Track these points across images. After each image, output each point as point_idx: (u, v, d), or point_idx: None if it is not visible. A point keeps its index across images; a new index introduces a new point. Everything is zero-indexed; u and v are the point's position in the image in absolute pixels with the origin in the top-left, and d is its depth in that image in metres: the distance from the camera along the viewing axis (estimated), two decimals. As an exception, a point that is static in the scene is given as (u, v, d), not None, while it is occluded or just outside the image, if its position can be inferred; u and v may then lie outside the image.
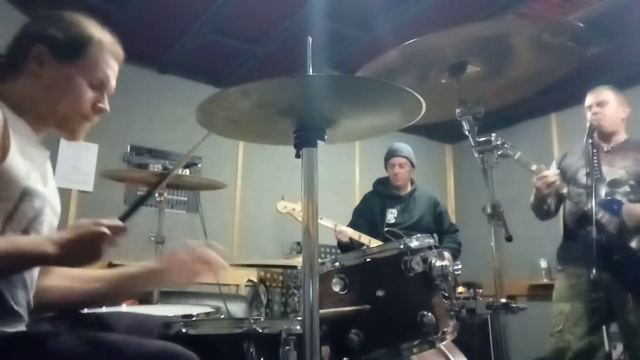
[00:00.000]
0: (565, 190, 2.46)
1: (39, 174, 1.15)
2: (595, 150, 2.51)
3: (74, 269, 1.28)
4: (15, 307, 1.09)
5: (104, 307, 1.77)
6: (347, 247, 3.15)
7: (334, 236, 3.23)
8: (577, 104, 2.87)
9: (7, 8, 3.28)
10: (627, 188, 2.48)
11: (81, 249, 0.99)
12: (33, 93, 1.16)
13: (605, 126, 2.59)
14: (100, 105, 1.22)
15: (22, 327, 1.12)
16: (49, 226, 1.18)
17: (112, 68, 1.24)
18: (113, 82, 1.25)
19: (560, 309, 2.52)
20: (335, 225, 3.17)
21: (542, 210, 2.68)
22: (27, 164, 1.11)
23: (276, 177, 4.61)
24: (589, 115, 2.63)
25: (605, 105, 2.60)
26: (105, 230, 0.99)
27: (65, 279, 1.28)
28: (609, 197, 2.45)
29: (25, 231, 1.10)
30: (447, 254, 2.61)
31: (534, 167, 2.46)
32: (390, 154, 3.43)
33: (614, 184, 2.51)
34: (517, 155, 2.33)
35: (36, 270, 1.18)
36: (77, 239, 0.99)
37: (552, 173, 2.46)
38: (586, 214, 2.33)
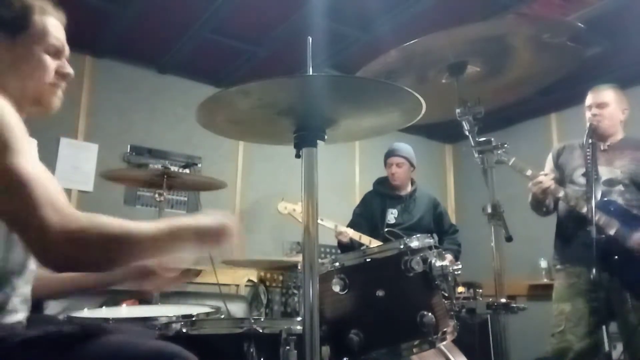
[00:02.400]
0: (561, 194, 2.47)
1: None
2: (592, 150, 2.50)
3: None
4: (15, 298, 1.10)
5: (104, 308, 1.77)
6: (347, 247, 3.15)
7: (334, 237, 3.23)
8: (577, 104, 2.87)
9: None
10: (621, 187, 2.48)
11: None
12: (3, 80, 1.16)
13: (603, 128, 2.59)
14: (63, 70, 1.23)
15: (19, 317, 1.12)
16: None
17: (60, 30, 1.24)
18: (66, 45, 1.25)
19: (560, 309, 2.52)
20: (335, 225, 3.16)
21: (541, 210, 2.69)
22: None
23: (276, 177, 4.61)
24: (588, 115, 2.63)
25: (605, 107, 2.60)
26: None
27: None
28: (605, 198, 2.45)
29: None
30: (449, 256, 2.62)
31: (529, 173, 2.47)
32: (389, 154, 3.43)
33: (610, 183, 2.51)
34: (511, 162, 2.33)
35: (33, 262, 1.18)
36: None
37: (546, 179, 2.47)
38: (582, 214, 2.34)
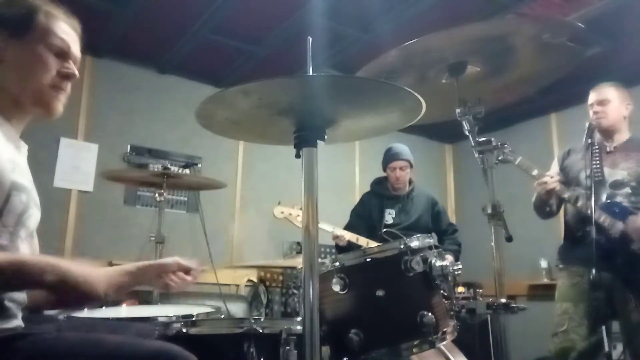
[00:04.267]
0: (567, 195, 2.46)
1: (21, 167, 1.16)
2: (597, 151, 2.50)
3: None
4: (10, 304, 1.10)
5: (104, 307, 1.77)
6: (345, 250, 3.14)
7: (331, 239, 3.22)
8: (577, 104, 2.87)
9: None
10: (628, 189, 2.48)
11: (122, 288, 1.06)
12: (2, 79, 1.16)
13: (606, 125, 2.59)
14: (66, 70, 1.22)
15: (17, 323, 1.12)
16: (35, 221, 1.18)
17: (67, 33, 1.23)
18: (75, 48, 1.25)
19: (564, 308, 2.52)
20: (333, 229, 3.15)
21: (544, 211, 2.69)
22: (11, 157, 1.11)
23: (276, 177, 4.62)
24: (590, 113, 2.63)
25: (607, 103, 2.60)
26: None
27: None
28: (609, 200, 2.45)
29: (15, 227, 1.10)
30: (449, 256, 2.62)
31: (535, 173, 2.47)
32: (391, 158, 3.41)
33: (616, 185, 2.50)
34: (517, 161, 2.33)
35: None
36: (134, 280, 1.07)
37: (551, 180, 2.46)
38: (588, 216, 2.33)
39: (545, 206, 2.65)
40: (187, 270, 1.35)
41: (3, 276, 0.98)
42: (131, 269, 1.21)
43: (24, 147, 1.24)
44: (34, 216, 1.17)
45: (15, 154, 1.15)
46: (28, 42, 1.18)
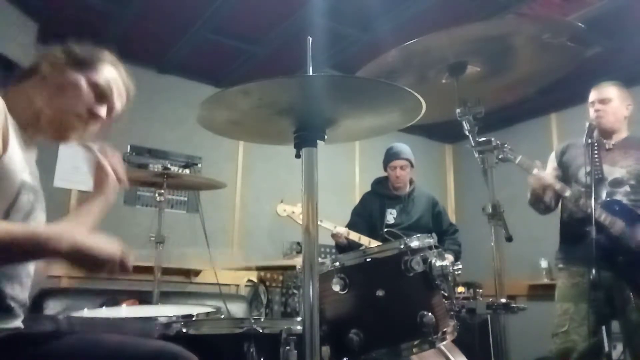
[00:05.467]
0: (568, 194, 2.46)
1: (30, 169, 1.16)
2: (596, 149, 2.50)
3: None
4: (12, 303, 1.10)
5: (104, 308, 1.77)
6: (345, 248, 3.14)
7: (330, 237, 3.22)
8: (577, 103, 2.87)
9: (7, 8, 3.27)
10: (627, 188, 2.48)
11: (89, 261, 1.01)
12: (36, 93, 1.18)
13: (607, 124, 2.59)
14: (97, 110, 1.23)
15: (18, 323, 1.12)
16: (40, 223, 1.19)
17: (116, 84, 1.27)
18: (117, 101, 1.28)
19: (564, 308, 2.52)
20: (335, 227, 3.16)
21: (540, 206, 2.69)
22: (22, 157, 1.12)
23: (276, 177, 4.62)
24: (591, 111, 2.63)
25: (608, 102, 2.60)
26: (119, 262, 1.03)
27: None
28: (609, 198, 2.45)
29: None
30: (449, 256, 2.62)
31: (535, 171, 2.46)
32: (392, 157, 3.41)
33: (615, 183, 2.50)
34: (518, 160, 2.33)
35: (32, 268, 1.18)
36: (94, 252, 1.01)
37: (546, 174, 2.46)
38: (587, 215, 2.33)
39: (540, 201, 2.65)
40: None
41: (17, 244, 0.97)
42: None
43: (34, 151, 1.25)
44: (40, 218, 1.18)
45: (26, 156, 1.16)
46: (77, 74, 1.21)
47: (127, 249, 1.07)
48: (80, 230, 1.06)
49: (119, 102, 1.28)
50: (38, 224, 1.18)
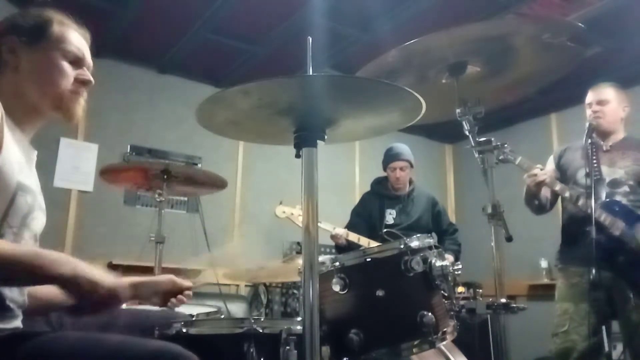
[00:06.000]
0: (567, 195, 2.46)
1: (28, 170, 1.16)
2: (594, 150, 2.50)
3: None
4: (11, 305, 1.10)
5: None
6: (344, 249, 3.14)
7: (330, 238, 3.22)
8: (577, 104, 2.87)
9: (7, 7, 3.27)
10: (626, 188, 2.48)
11: (87, 290, 1.02)
12: (19, 86, 1.18)
13: (604, 125, 2.59)
14: (83, 77, 1.25)
15: (17, 324, 1.12)
16: (39, 224, 1.19)
17: (80, 42, 1.27)
18: (88, 56, 1.28)
19: (564, 308, 2.52)
20: (334, 228, 3.16)
21: (534, 205, 2.69)
22: (19, 158, 1.12)
23: (276, 177, 4.62)
24: (588, 112, 2.63)
25: (606, 104, 2.60)
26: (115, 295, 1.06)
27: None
28: (608, 199, 2.45)
29: (20, 227, 1.11)
30: (449, 257, 2.62)
31: (535, 170, 2.47)
32: (391, 158, 3.41)
33: (614, 184, 2.50)
34: (518, 160, 2.34)
35: None
36: (94, 282, 1.02)
37: (541, 172, 2.47)
38: (587, 215, 2.33)
39: (534, 199, 2.65)
40: (181, 290, 1.40)
41: (20, 266, 0.97)
42: (127, 284, 1.24)
43: (34, 153, 1.25)
44: (39, 219, 1.18)
45: (22, 158, 1.15)
46: (43, 50, 1.21)
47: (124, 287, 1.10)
48: (81, 262, 1.05)
49: (89, 57, 1.29)
50: (38, 225, 1.18)
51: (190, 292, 1.43)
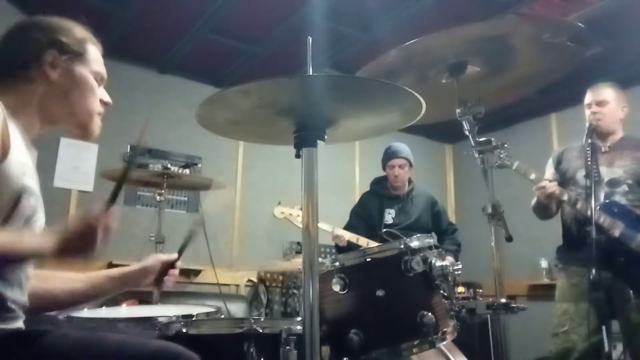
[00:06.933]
0: (565, 198, 2.46)
1: (31, 172, 1.16)
2: (593, 151, 2.50)
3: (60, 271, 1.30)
4: (13, 306, 1.10)
5: (103, 308, 1.77)
6: (345, 250, 3.14)
7: (331, 239, 3.21)
8: (577, 104, 2.86)
9: (8, 8, 3.28)
10: (625, 187, 2.48)
11: (77, 243, 0.99)
12: (46, 98, 1.19)
13: (603, 126, 2.59)
14: (106, 99, 1.28)
15: (19, 324, 1.12)
16: (40, 226, 1.19)
17: (101, 60, 1.30)
18: (105, 75, 1.32)
19: (564, 308, 2.52)
20: (333, 229, 3.15)
21: (544, 213, 2.69)
22: (24, 160, 1.12)
23: (276, 177, 4.62)
24: (587, 113, 2.62)
25: (605, 105, 2.59)
26: (96, 220, 1.00)
27: (49, 281, 1.28)
28: (607, 200, 2.45)
29: (22, 230, 1.10)
30: (449, 257, 2.62)
31: (532, 177, 2.47)
32: (390, 156, 3.41)
33: (613, 183, 2.50)
34: (515, 165, 2.33)
35: (31, 271, 1.18)
36: (72, 234, 0.99)
37: (550, 184, 2.46)
38: (587, 217, 2.33)
39: (546, 210, 2.66)
40: (171, 265, 1.42)
41: None
42: (115, 274, 1.23)
43: (34, 153, 1.24)
44: (40, 221, 1.18)
45: (28, 159, 1.15)
46: (80, 69, 1.22)
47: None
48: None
49: (106, 75, 1.31)
50: (39, 226, 1.18)
51: (179, 263, 1.45)
